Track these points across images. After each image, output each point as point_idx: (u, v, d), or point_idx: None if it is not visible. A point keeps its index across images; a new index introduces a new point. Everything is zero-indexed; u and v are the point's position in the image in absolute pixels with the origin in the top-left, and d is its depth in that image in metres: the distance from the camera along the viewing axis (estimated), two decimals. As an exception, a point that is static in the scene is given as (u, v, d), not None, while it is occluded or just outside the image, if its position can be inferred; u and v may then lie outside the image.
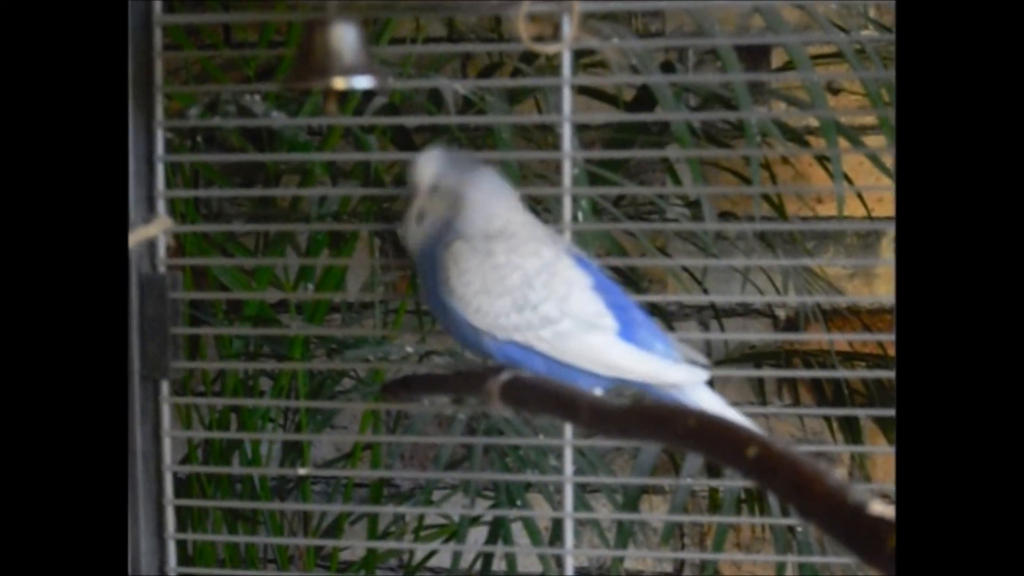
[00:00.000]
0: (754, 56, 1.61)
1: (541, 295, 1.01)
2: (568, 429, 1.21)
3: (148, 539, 1.25)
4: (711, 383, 1.05)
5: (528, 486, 1.42)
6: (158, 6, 1.22)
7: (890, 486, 1.51)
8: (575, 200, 1.19)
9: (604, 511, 1.59)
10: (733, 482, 1.32)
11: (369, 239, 1.65)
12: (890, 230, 1.62)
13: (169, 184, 1.27)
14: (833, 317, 1.61)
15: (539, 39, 1.10)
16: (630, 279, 1.37)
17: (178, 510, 1.29)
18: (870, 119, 1.53)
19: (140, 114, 1.22)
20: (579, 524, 1.54)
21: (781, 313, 1.68)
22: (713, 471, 1.41)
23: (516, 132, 1.37)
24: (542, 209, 1.24)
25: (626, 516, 1.36)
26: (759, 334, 1.67)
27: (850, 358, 1.52)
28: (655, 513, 1.68)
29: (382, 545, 1.59)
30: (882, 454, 1.63)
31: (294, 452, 1.55)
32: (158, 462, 1.25)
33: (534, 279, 1.02)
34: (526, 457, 1.38)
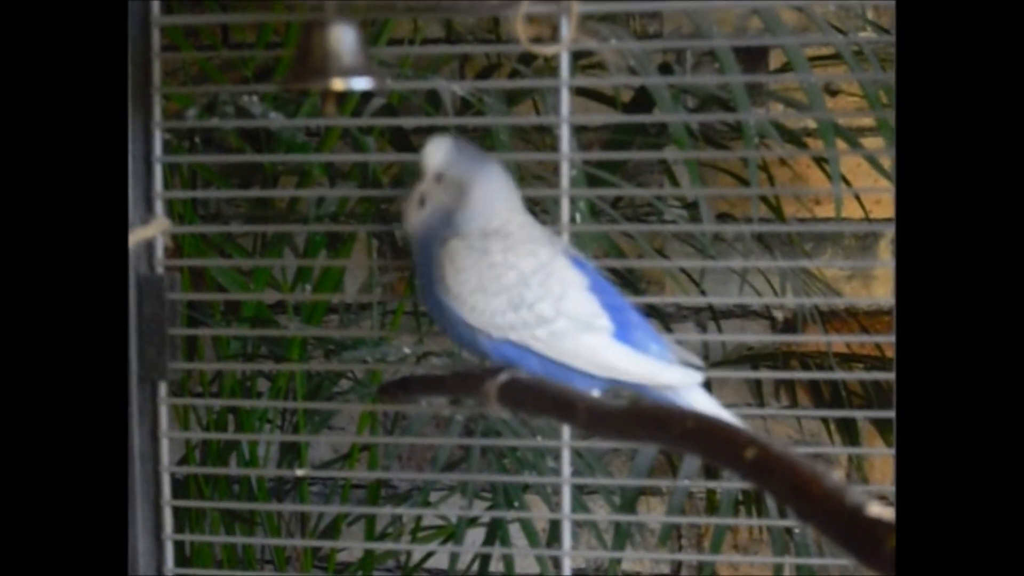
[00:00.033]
0: (752, 57, 1.61)
1: (537, 294, 1.01)
2: (566, 430, 1.21)
3: (146, 540, 1.25)
4: (707, 385, 1.05)
5: (526, 487, 1.42)
6: (156, 7, 1.22)
7: (888, 487, 1.51)
8: (573, 201, 1.19)
9: (602, 512, 1.59)
10: (731, 484, 1.32)
11: (367, 240, 1.65)
12: (888, 232, 1.62)
13: (167, 185, 1.27)
14: (831, 319, 1.61)
15: (537, 40, 1.10)
16: (628, 280, 1.37)
17: (176, 511, 1.29)
18: (868, 121, 1.53)
19: (138, 115, 1.22)
20: (577, 525, 1.54)
21: (779, 315, 1.68)
22: (710, 473, 1.41)
23: (514, 133, 1.37)
24: (540, 210, 1.24)
25: (624, 518, 1.36)
26: (757, 335, 1.67)
27: (848, 360, 1.52)
28: (653, 514, 1.68)
29: (379, 546, 1.59)
30: (880, 455, 1.63)
31: (292, 453, 1.55)
32: (156, 463, 1.25)
33: (530, 278, 1.02)
34: (524, 458, 1.38)
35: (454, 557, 1.42)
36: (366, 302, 1.60)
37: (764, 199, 1.52)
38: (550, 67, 1.23)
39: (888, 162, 1.33)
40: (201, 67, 1.51)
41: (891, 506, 0.67)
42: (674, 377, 1.02)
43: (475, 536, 1.53)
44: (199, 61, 1.50)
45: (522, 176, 1.29)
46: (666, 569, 1.71)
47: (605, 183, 1.32)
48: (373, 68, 1.05)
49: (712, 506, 1.59)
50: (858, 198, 1.54)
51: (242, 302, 1.52)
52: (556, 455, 1.27)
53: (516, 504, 1.39)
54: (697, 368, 1.03)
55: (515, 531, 1.48)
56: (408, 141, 1.42)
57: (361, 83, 1.05)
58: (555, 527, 1.35)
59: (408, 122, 1.41)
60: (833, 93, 1.61)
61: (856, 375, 1.47)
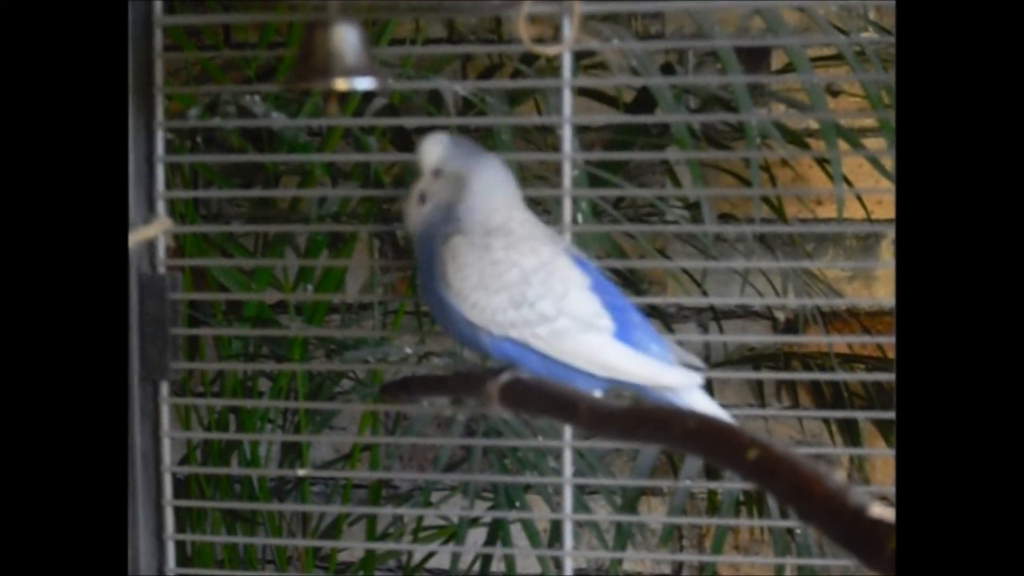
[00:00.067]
0: (754, 58, 1.61)
1: (538, 292, 1.01)
2: (567, 431, 1.21)
3: (147, 540, 1.25)
4: (708, 385, 1.05)
5: (527, 487, 1.42)
6: (158, 7, 1.22)
7: (889, 488, 1.51)
8: (575, 201, 1.19)
9: (603, 513, 1.59)
10: (732, 484, 1.32)
11: (368, 240, 1.65)
12: (889, 232, 1.62)
13: (169, 185, 1.27)
14: (832, 319, 1.61)
15: (539, 40, 1.10)
16: (629, 280, 1.37)
17: (177, 511, 1.29)
18: (870, 121, 1.53)
19: (140, 115, 1.22)
20: (578, 526, 1.54)
21: (780, 315, 1.68)
22: (712, 473, 1.41)
23: (516, 133, 1.37)
24: (542, 210, 1.24)
25: (625, 518, 1.36)
26: (758, 336, 1.67)
27: (849, 360, 1.52)
28: (654, 515, 1.68)
29: (381, 546, 1.59)
30: (881, 456, 1.63)
31: (293, 453, 1.55)
32: (157, 463, 1.25)
33: (532, 276, 1.02)
34: (525, 458, 1.38)
35: (455, 557, 1.41)
36: (368, 302, 1.60)
37: (766, 199, 1.52)
38: (552, 67, 1.23)
39: (890, 163, 1.33)
40: (203, 67, 1.51)
41: (892, 507, 0.67)
42: (674, 378, 1.02)
43: (476, 536, 1.53)
44: (201, 61, 1.50)
45: (524, 176, 1.29)
46: (667, 569, 1.71)
47: (607, 183, 1.32)
48: (375, 68, 1.05)
49: (713, 506, 1.59)
50: (860, 199, 1.54)
51: (244, 302, 1.52)
52: (557, 455, 1.27)
53: (517, 504, 1.39)
54: (697, 369, 1.03)
55: (516, 531, 1.48)
56: (410, 141, 1.42)
57: (363, 83, 1.05)
58: (556, 527, 1.35)
59: (410, 122, 1.40)
60: (835, 94, 1.61)
61: (857, 376, 1.47)
